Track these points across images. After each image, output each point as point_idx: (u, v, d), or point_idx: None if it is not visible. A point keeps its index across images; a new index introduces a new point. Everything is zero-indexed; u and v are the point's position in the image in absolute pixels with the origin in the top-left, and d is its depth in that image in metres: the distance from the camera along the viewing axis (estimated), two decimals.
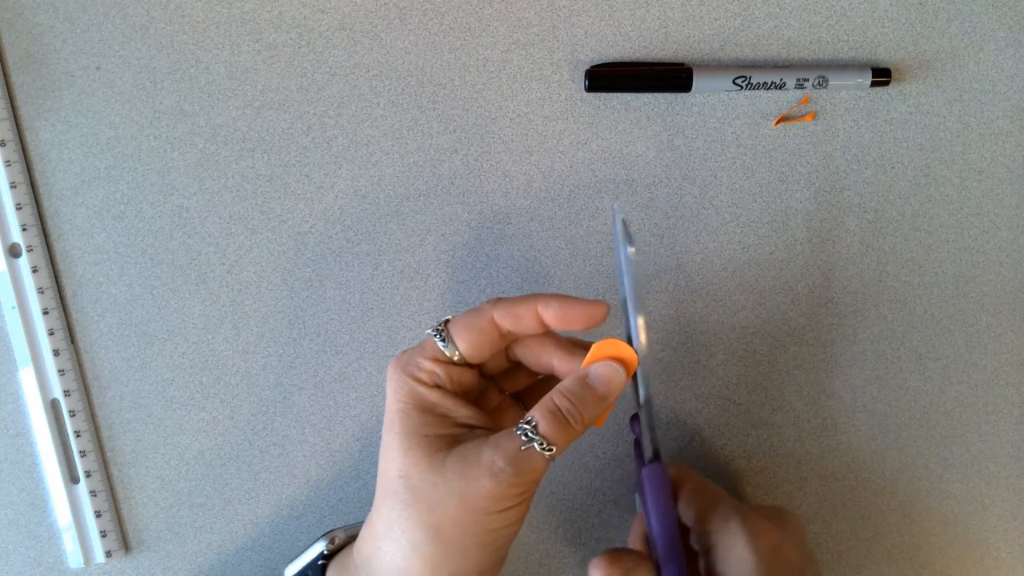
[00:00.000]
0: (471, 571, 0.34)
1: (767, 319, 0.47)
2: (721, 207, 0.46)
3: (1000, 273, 0.47)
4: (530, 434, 0.33)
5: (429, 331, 0.35)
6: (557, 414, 0.33)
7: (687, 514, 0.39)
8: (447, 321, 0.35)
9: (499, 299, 0.35)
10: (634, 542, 0.42)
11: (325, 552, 0.38)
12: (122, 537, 0.45)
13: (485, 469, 0.32)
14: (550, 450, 0.33)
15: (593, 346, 0.35)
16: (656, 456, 0.37)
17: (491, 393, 0.38)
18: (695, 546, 0.38)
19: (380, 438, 0.46)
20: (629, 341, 0.35)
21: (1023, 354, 0.48)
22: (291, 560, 0.41)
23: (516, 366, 0.38)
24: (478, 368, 0.36)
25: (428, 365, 0.35)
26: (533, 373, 0.38)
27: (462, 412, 0.34)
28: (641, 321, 0.35)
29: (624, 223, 0.35)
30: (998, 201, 0.47)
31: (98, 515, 0.44)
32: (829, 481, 0.47)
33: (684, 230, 0.46)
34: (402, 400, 0.34)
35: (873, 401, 0.47)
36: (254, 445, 0.45)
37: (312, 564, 0.39)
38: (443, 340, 0.35)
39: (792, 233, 0.47)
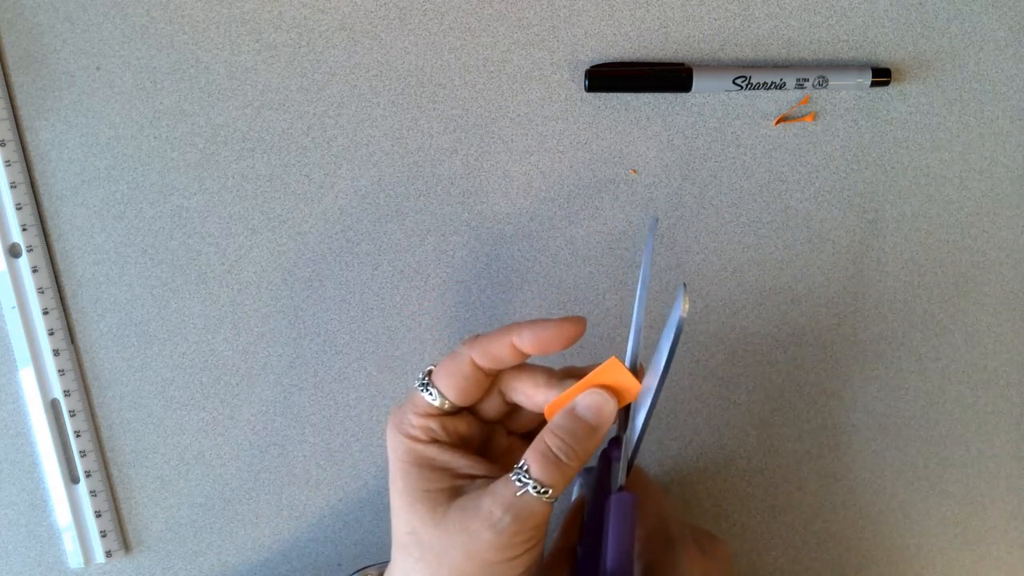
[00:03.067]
0: None
1: (767, 319, 0.47)
2: (721, 207, 0.46)
3: (1000, 273, 0.47)
4: (523, 479, 0.32)
5: (415, 384, 0.35)
6: (548, 454, 0.32)
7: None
8: (430, 371, 0.35)
9: (475, 337, 0.34)
10: (568, 530, 0.39)
11: None
12: (122, 537, 0.45)
13: (484, 521, 0.31)
14: (546, 492, 0.32)
15: (591, 372, 0.34)
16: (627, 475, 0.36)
17: (498, 437, 0.37)
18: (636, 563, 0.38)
19: (380, 438, 0.46)
20: (633, 368, 0.34)
21: (1023, 354, 0.48)
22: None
23: (518, 408, 0.37)
24: (475, 414, 0.36)
25: (420, 421, 0.34)
26: (531, 417, 0.37)
27: (462, 463, 0.34)
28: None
29: (683, 292, 0.33)
30: (998, 201, 0.47)
31: (98, 515, 0.44)
32: (829, 481, 0.47)
33: (684, 230, 0.46)
34: (400, 459, 0.34)
35: (873, 401, 0.47)
36: (254, 445, 0.45)
37: None
38: (429, 392, 0.34)
39: (792, 233, 0.47)
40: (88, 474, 0.44)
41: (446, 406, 0.34)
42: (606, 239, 0.46)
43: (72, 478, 0.45)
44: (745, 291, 0.46)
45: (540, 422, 0.37)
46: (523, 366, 0.35)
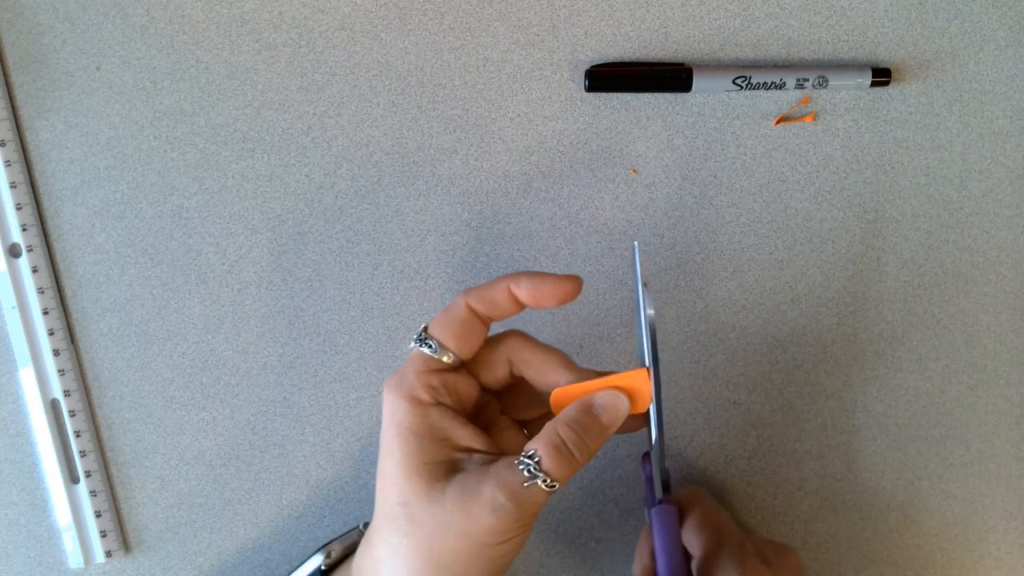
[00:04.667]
0: None
1: (767, 319, 0.47)
2: (721, 207, 0.46)
3: (1000, 273, 0.47)
4: (532, 469, 0.32)
5: (412, 344, 0.34)
6: (562, 448, 0.32)
7: (692, 545, 0.39)
8: (426, 328, 0.35)
9: (469, 289, 0.34)
10: (641, 557, 0.41)
11: (323, 567, 0.38)
12: (122, 537, 0.45)
13: (486, 505, 0.31)
14: (553, 486, 0.32)
15: (615, 375, 0.34)
16: (665, 489, 0.37)
17: (493, 411, 0.37)
18: None
19: (380, 438, 0.46)
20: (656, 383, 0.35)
21: (1023, 354, 0.48)
22: (288, 570, 0.40)
23: (520, 391, 0.37)
24: (476, 379, 0.36)
25: (422, 378, 0.33)
26: (540, 404, 0.37)
27: (461, 433, 0.34)
28: (649, 372, 0.34)
29: (644, 286, 0.35)
30: (998, 201, 0.47)
31: (98, 515, 0.44)
32: (829, 481, 0.47)
33: (684, 230, 0.46)
34: (399, 424, 0.33)
35: (873, 401, 0.47)
36: (254, 445, 0.45)
37: None
38: (429, 346, 0.34)
39: (792, 233, 0.47)
40: (88, 474, 0.44)
41: (445, 358, 0.34)
42: (606, 239, 0.46)
43: (72, 478, 0.45)
44: (745, 291, 0.46)
45: (539, 412, 0.38)
46: (540, 344, 0.35)
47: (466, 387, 0.35)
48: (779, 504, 0.47)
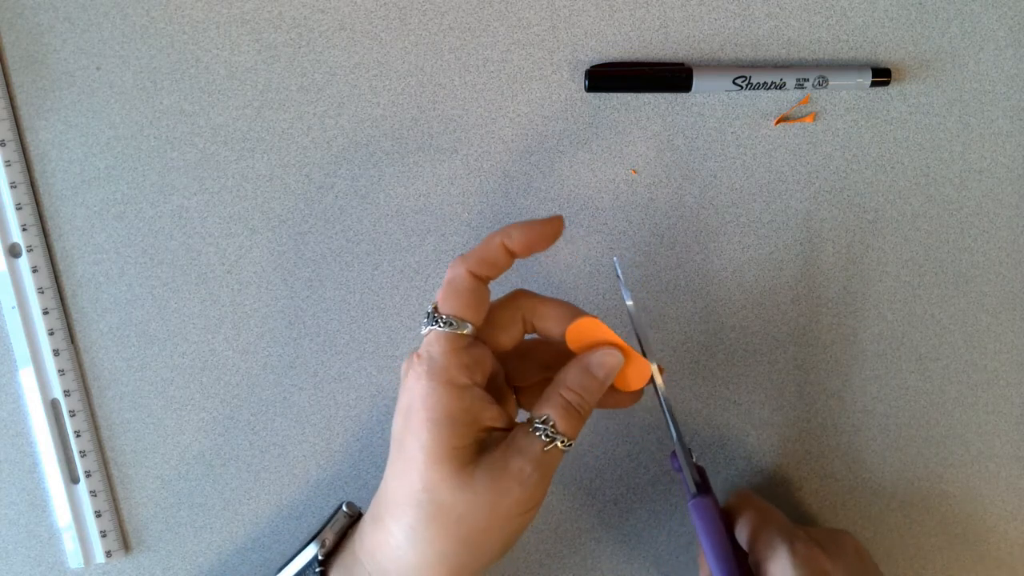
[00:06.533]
0: (486, 565, 0.35)
1: (767, 319, 0.47)
2: (721, 207, 0.46)
3: (1000, 273, 0.47)
4: (550, 433, 0.33)
5: (426, 326, 0.35)
6: (570, 408, 0.34)
7: (744, 539, 0.40)
8: (435, 307, 0.35)
9: (463, 256, 0.35)
10: (703, 566, 0.42)
11: (320, 558, 0.38)
12: (122, 537, 0.45)
13: (515, 479, 0.33)
14: (569, 445, 0.34)
15: (569, 328, 0.36)
16: (700, 488, 0.38)
17: (499, 380, 0.38)
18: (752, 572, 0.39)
19: (380, 438, 0.46)
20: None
21: (1023, 354, 0.48)
22: (280, 567, 0.40)
23: (524, 355, 0.38)
24: (491, 344, 0.36)
25: (455, 359, 0.34)
26: (541, 367, 0.38)
27: (488, 413, 0.34)
28: (655, 366, 0.37)
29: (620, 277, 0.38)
30: (998, 201, 0.47)
31: (98, 515, 0.44)
32: (829, 481, 0.47)
33: (684, 230, 0.46)
34: (432, 409, 0.33)
35: (873, 401, 0.47)
36: (254, 445, 0.45)
37: (308, 571, 0.38)
38: (448, 323, 0.34)
39: (792, 233, 0.47)
40: (88, 474, 0.44)
41: (466, 331, 0.34)
42: (606, 239, 0.46)
43: (72, 478, 0.45)
44: (745, 291, 0.46)
45: (539, 376, 0.39)
46: (549, 297, 0.37)
47: (487, 358, 0.35)
48: (779, 504, 0.47)
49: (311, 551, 0.38)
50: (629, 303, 0.38)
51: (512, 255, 0.35)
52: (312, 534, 0.39)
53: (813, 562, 0.37)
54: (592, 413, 0.36)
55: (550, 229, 0.35)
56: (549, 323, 0.36)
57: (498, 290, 0.37)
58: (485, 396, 0.34)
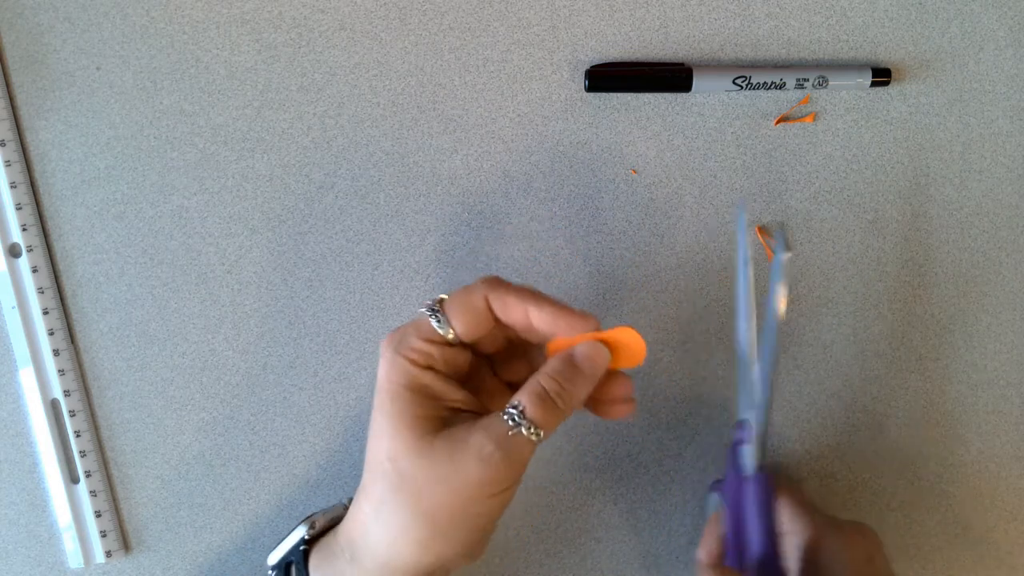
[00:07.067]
0: (458, 552, 0.34)
1: None
2: (721, 207, 0.46)
3: (1000, 273, 0.47)
4: (517, 418, 0.33)
5: (423, 309, 0.35)
6: (544, 396, 0.33)
7: (787, 517, 0.40)
8: (441, 300, 0.35)
9: (494, 280, 0.35)
10: (709, 543, 0.42)
11: (306, 537, 0.38)
12: (122, 537, 0.45)
13: (473, 453, 0.32)
14: (538, 434, 0.33)
15: (610, 331, 0.35)
16: (762, 465, 0.39)
17: (484, 374, 0.38)
18: (789, 554, 0.40)
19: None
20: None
21: (1023, 354, 0.48)
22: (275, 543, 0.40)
23: (512, 352, 0.38)
24: (471, 348, 0.36)
25: (422, 346, 0.34)
26: (529, 365, 0.38)
27: (453, 395, 0.34)
28: (783, 301, 0.37)
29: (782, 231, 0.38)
30: (998, 201, 0.47)
31: (98, 515, 0.44)
32: (829, 481, 0.47)
33: (684, 230, 0.46)
34: (392, 380, 0.34)
35: (873, 401, 0.47)
36: (254, 445, 0.45)
37: (294, 550, 0.38)
38: (438, 320, 0.34)
39: (792, 233, 0.47)
40: (88, 474, 0.44)
41: (449, 336, 0.34)
42: (606, 239, 0.46)
43: (72, 478, 0.45)
44: None
45: (528, 372, 0.38)
46: (543, 298, 0.36)
47: (462, 359, 0.36)
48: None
49: (300, 532, 0.38)
50: (783, 255, 0.38)
51: (531, 324, 0.35)
52: (307, 515, 0.39)
53: (861, 546, 0.38)
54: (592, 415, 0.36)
55: (576, 327, 0.34)
56: (535, 324, 0.36)
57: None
58: (448, 380, 0.34)
